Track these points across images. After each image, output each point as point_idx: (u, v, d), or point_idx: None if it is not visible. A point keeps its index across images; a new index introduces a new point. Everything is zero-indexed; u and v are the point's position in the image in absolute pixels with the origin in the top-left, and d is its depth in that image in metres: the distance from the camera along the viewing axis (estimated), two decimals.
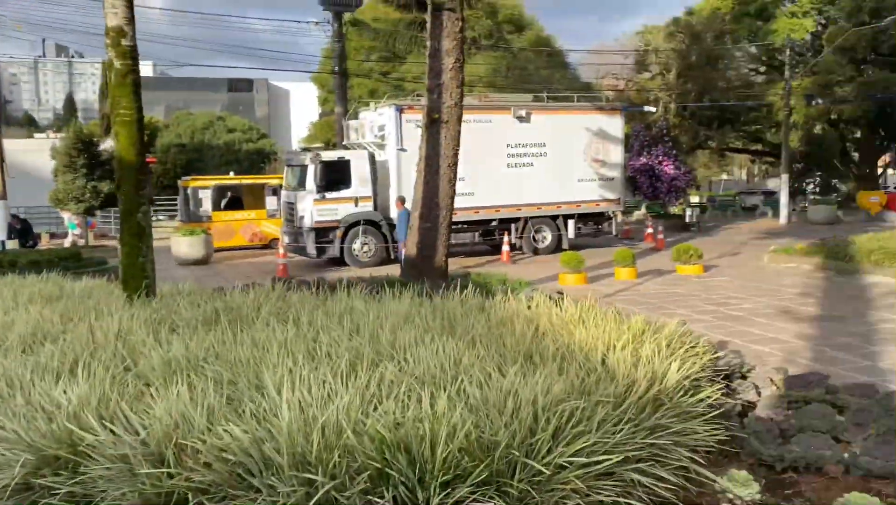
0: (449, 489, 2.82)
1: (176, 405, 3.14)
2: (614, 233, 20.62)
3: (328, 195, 17.16)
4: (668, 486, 3.14)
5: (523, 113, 18.56)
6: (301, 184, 17.44)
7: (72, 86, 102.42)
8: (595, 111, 19.99)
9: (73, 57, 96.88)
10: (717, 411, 3.69)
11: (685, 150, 31.88)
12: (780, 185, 28.41)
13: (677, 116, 32.11)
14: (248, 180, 23.05)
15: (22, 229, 19.46)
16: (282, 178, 24.40)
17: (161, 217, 29.73)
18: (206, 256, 18.41)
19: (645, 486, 3.08)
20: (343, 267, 17.20)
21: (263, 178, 24.01)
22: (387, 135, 17.68)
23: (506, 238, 18.13)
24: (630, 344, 4.13)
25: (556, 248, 19.39)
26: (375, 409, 3.21)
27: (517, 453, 2.83)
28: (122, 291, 6.64)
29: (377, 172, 17.69)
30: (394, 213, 17.79)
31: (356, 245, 17.42)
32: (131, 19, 6.53)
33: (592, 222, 20.13)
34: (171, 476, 2.91)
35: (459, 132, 11.14)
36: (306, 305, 5.63)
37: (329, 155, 17.61)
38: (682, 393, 3.64)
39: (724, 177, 56.43)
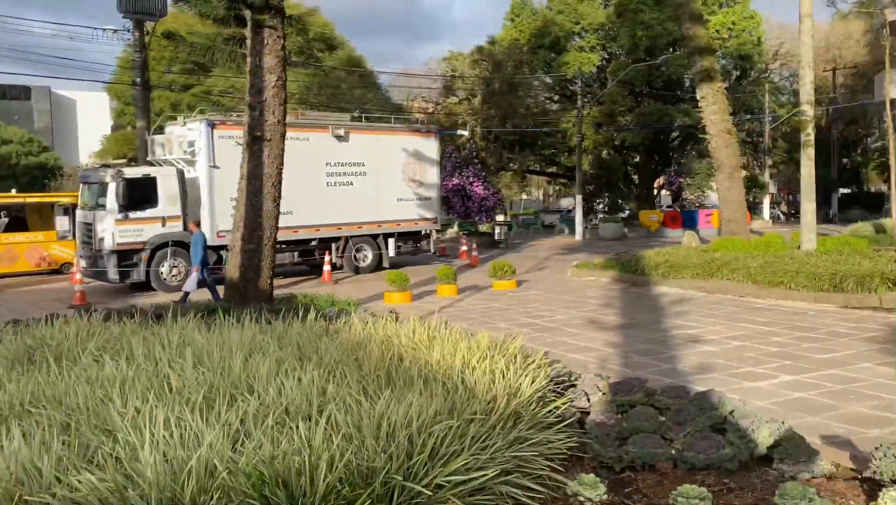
0: None
1: (16, 457, 2.80)
2: (432, 251, 21.24)
3: (132, 215, 15.97)
4: (532, 494, 3.34)
5: (342, 132, 18.59)
6: (100, 203, 16.06)
7: None
8: (412, 133, 20.52)
9: None
10: (567, 421, 3.97)
11: (493, 172, 33.65)
12: (575, 204, 30.89)
13: (483, 140, 33.83)
14: (33, 198, 20.75)
15: None
16: (75, 195, 22.32)
17: None
18: None
19: (513, 496, 3.25)
20: (150, 292, 16.07)
21: (53, 195, 21.77)
22: (197, 151, 16.84)
23: (327, 258, 17.98)
24: (482, 361, 4.32)
25: (377, 266, 19.59)
26: (242, 444, 3.09)
27: (398, 478, 2.87)
28: None
29: (187, 190, 16.77)
30: (205, 233, 16.98)
31: (164, 268, 16.36)
32: None
33: (411, 241, 20.57)
34: None
35: (283, 150, 10.96)
36: (135, 336, 5.23)
37: (133, 171, 16.40)
38: (535, 405, 3.88)
39: (524, 197, 60.17)
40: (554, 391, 4.60)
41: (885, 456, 3.76)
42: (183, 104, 31.53)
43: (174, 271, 16.48)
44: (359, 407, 3.38)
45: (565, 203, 60.13)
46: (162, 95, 31.62)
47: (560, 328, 10.45)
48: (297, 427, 3.09)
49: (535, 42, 37.31)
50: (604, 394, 5.38)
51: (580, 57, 36.37)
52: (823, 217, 38.70)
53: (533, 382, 3.94)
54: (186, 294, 13.41)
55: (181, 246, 16.53)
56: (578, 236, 29.68)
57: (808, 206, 14.71)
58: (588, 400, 5.13)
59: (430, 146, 20.66)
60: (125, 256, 15.96)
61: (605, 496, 3.68)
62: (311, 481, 2.82)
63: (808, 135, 14.79)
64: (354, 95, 32.13)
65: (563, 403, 4.02)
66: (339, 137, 18.65)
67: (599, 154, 36.42)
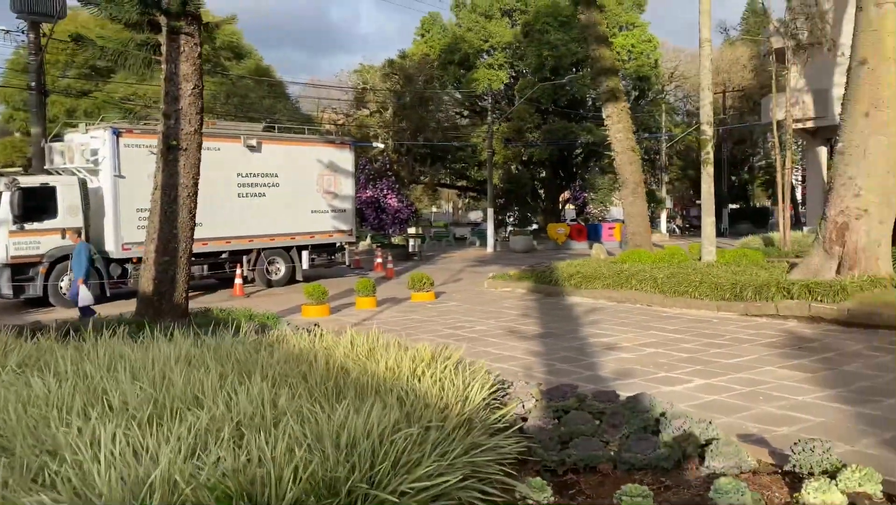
0: None
1: None
2: (347, 263, 21.10)
3: (28, 226, 15.08)
4: (487, 498, 3.42)
5: (254, 142, 18.23)
6: None
7: None
8: (326, 144, 20.38)
9: None
10: (514, 427, 4.08)
11: (405, 185, 33.81)
12: (486, 218, 31.46)
13: (395, 153, 33.98)
14: None
15: None
16: None
17: None
18: None
19: (470, 501, 3.32)
20: (46, 308, 15.20)
21: None
22: (101, 160, 16.11)
23: (238, 271, 17.54)
24: (427, 370, 4.38)
25: (291, 279, 19.28)
26: (198, 459, 3.02)
27: (364, 486, 2.89)
28: None
29: (90, 201, 15.99)
30: (109, 245, 16.25)
31: (64, 282, 15.51)
32: None
33: (326, 253, 20.36)
34: None
35: (199, 160, 10.68)
36: (59, 352, 4.98)
37: (30, 180, 15.49)
38: (483, 411, 3.97)
39: (434, 210, 60.65)
40: (494, 398, 4.71)
41: (802, 451, 4.07)
42: (80, 110, 30.03)
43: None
44: (316, 418, 3.37)
45: (473, 216, 61.07)
46: (57, 101, 29.95)
47: (482, 338, 10.62)
48: (257, 439, 3.05)
49: (445, 58, 37.91)
50: (537, 400, 5.55)
51: (489, 74, 37.21)
52: (717, 231, 41.13)
53: (481, 389, 4.03)
54: (85, 308, 12.59)
55: None
56: (490, 249, 30.20)
57: (708, 219, 15.61)
58: (524, 406, 5.28)
59: (345, 158, 20.57)
60: (20, 269, 15.05)
61: (552, 498, 3.82)
62: (276, 494, 2.80)
63: (708, 153, 15.72)
64: (264, 105, 31.56)
65: (510, 410, 4.13)
66: (251, 148, 18.29)
67: (509, 169, 37.28)
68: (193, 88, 10.42)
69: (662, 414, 4.73)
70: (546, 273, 15.70)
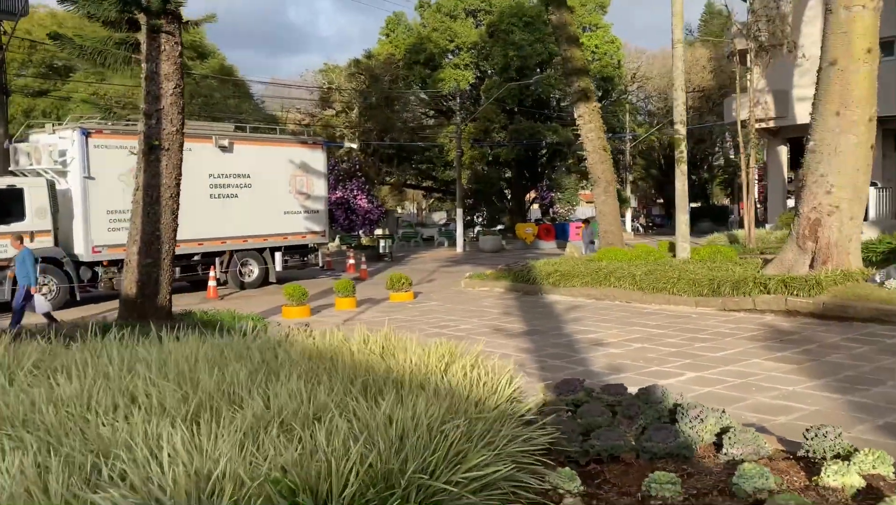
0: None
1: (15, 479, 2.60)
2: (320, 264, 20.98)
3: None
4: (524, 487, 3.50)
5: (226, 143, 18.02)
6: None
7: None
8: (298, 144, 20.24)
9: None
10: (540, 420, 4.17)
11: (372, 185, 33.72)
12: (455, 218, 31.57)
13: (361, 152, 33.88)
14: None
15: None
16: None
17: None
18: None
19: (511, 491, 3.39)
20: (6, 313, 14.78)
21: None
22: (69, 161, 15.75)
23: (212, 273, 17.31)
24: (451, 365, 4.44)
25: (264, 281, 19.12)
26: (251, 454, 3.03)
27: (424, 477, 2.94)
28: None
29: (58, 203, 15.62)
30: (79, 248, 15.89)
31: (5, 287, 15.08)
32: None
33: (298, 255, 20.22)
34: None
35: (181, 160, 10.54)
36: (71, 353, 4.91)
37: None
38: (512, 404, 4.04)
39: (400, 210, 60.55)
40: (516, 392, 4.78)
41: (815, 437, 4.24)
42: (38, 110, 29.26)
43: (44, 290, 15.21)
44: (356, 412, 3.40)
45: (437, 217, 61.11)
46: (13, 100, 29.13)
47: (469, 336, 10.68)
48: (309, 434, 3.08)
49: (411, 58, 37.91)
50: (545, 395, 5.64)
51: (455, 74, 37.33)
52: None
53: (509, 384, 4.11)
54: (47, 314, 12.09)
55: (52, 263, 15.36)
56: (459, 249, 30.32)
57: (682, 217, 15.95)
58: (544, 399, 5.37)
59: (318, 158, 20.46)
60: None
61: (581, 487, 3.91)
62: (336, 485, 2.82)
63: (682, 152, 16.07)
64: (229, 105, 31.16)
65: (534, 402, 4.22)
66: (223, 148, 18.07)
67: (476, 169, 37.45)
68: (175, 88, 10.29)
69: (676, 405, 4.86)
70: (523, 272, 15.85)
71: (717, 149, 50.77)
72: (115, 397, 3.73)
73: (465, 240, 31.53)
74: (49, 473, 2.72)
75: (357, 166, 28.93)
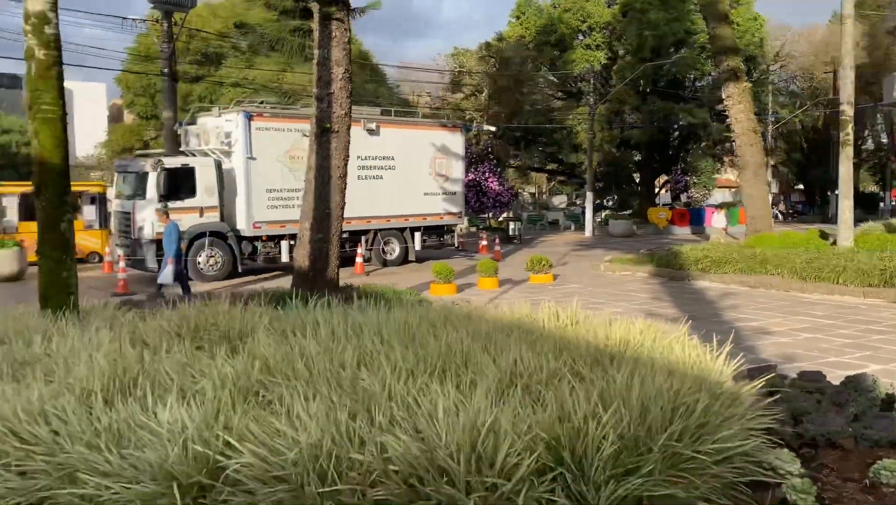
0: (616, 483, 2.96)
1: (317, 423, 2.95)
2: (456, 245, 21.41)
3: (171, 205, 15.92)
4: (753, 460, 3.54)
5: (374, 126, 18.68)
6: (138, 192, 16.06)
7: None
8: (439, 128, 20.67)
9: None
10: (766, 400, 4.17)
11: (505, 168, 33.89)
12: (585, 202, 31.19)
13: (492, 136, 34.06)
14: None
15: None
16: (101, 184, 22.22)
17: None
18: (21, 270, 16.24)
19: (743, 466, 3.45)
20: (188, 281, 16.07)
21: (81, 184, 21.61)
22: (233, 142, 16.88)
23: (359, 250, 18.10)
24: (660, 342, 4.51)
25: (404, 259, 19.74)
26: (501, 412, 3.24)
27: (678, 444, 3.05)
28: (41, 308, 5.81)
29: (224, 181, 16.82)
30: (241, 223, 17.02)
31: (201, 258, 16.40)
32: (55, 4, 5.78)
33: (436, 235, 20.74)
34: (338, 493, 2.74)
35: (349, 142, 11.08)
36: (284, 319, 5.37)
37: (172, 162, 16.38)
38: (734, 383, 4.08)
39: (524, 194, 60.42)
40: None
41: None
42: (194, 95, 31.35)
43: (211, 262, 16.52)
44: (599, 380, 3.55)
45: (557, 201, 60.43)
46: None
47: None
48: (559, 396, 3.26)
49: (541, 39, 37.55)
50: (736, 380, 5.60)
51: (586, 55, 36.64)
52: (823, 217, 39.40)
53: (727, 363, 4.14)
54: (161, 286, 13.08)
55: (218, 236, 16.59)
56: (588, 233, 29.97)
57: (846, 203, 15.06)
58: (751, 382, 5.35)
59: (457, 141, 20.83)
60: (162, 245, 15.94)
61: (802, 470, 3.89)
62: (590, 449, 2.99)
63: (847, 134, 15.14)
64: (367, 90, 32.14)
65: (755, 384, 4.22)
66: (370, 131, 18.75)
67: (606, 151, 36.72)
68: (344, 73, 10.81)
69: (889, 394, 4.72)
70: (669, 257, 15.52)
71: (866, 133, 47.09)
72: (353, 356, 4.08)
73: (593, 224, 31.10)
74: (338, 419, 3.05)
75: (489, 149, 29.13)
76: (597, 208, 38.70)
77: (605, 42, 37.75)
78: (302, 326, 5.11)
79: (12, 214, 18.75)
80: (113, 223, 17.28)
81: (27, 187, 20.12)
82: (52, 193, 5.73)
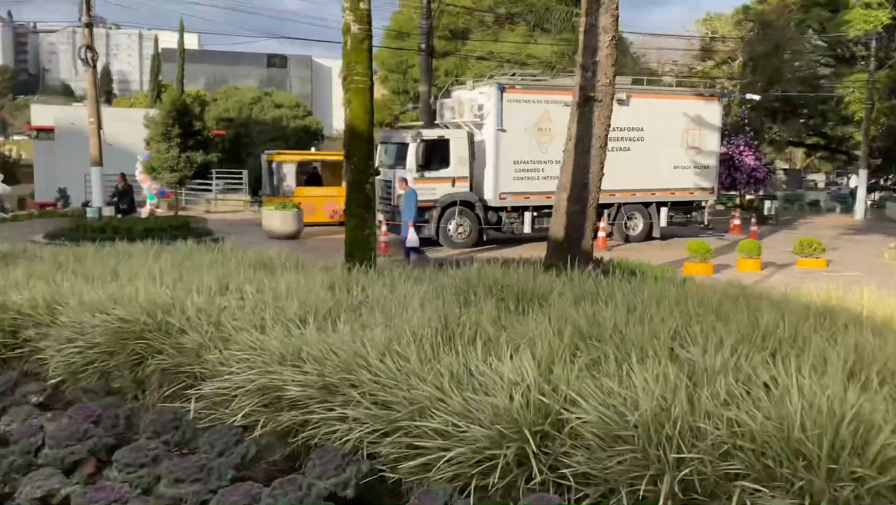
0: None
1: (651, 384, 2.89)
2: (705, 222, 20.24)
3: (427, 174, 16.89)
4: None
5: (623, 96, 18.10)
6: (399, 162, 17.18)
7: (108, 57, 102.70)
8: (693, 97, 19.58)
9: (110, 28, 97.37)
10: None
11: (762, 141, 31.34)
12: (858, 181, 27.83)
13: (749, 106, 31.56)
14: (329, 157, 22.74)
15: (122, 190, 19.37)
16: None
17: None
18: (297, 230, 18.25)
19: None
20: (435, 247, 16.96)
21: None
22: (485, 114, 17.36)
23: (602, 224, 17.80)
24: None
25: (647, 236, 19.08)
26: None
27: None
28: (345, 261, 6.40)
29: (475, 152, 17.41)
30: (488, 194, 17.50)
31: (451, 226, 17.18)
32: None
33: (683, 211, 19.76)
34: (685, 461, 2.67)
35: (611, 112, 10.84)
36: (565, 287, 5.37)
37: (430, 133, 17.30)
38: None
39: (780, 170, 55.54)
40: None
41: None
42: (441, 70, 32.64)
43: (460, 230, 17.25)
44: None
45: (812, 179, 54.56)
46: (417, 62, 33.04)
47: None
48: None
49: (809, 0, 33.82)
50: None
51: (865, 15, 32.26)
52: None
53: None
54: (409, 250, 13.91)
55: (466, 206, 17.25)
56: (859, 216, 26.70)
57: None
58: None
59: (713, 111, 19.56)
60: (420, 212, 16.92)
61: None
62: None
63: None
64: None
65: None
66: (619, 101, 18.09)
67: (885, 124, 32.29)
68: (610, 40, 10.55)
69: None
70: None
71: None
72: (665, 326, 3.96)
73: (865, 206, 27.63)
74: (677, 385, 2.96)
75: (745, 120, 27.01)
76: (873, 188, 34.38)
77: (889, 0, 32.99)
78: (593, 293, 5.09)
79: (290, 181, 21.02)
80: (377, 190, 18.70)
81: (303, 156, 22.56)
82: (360, 157, 6.28)
